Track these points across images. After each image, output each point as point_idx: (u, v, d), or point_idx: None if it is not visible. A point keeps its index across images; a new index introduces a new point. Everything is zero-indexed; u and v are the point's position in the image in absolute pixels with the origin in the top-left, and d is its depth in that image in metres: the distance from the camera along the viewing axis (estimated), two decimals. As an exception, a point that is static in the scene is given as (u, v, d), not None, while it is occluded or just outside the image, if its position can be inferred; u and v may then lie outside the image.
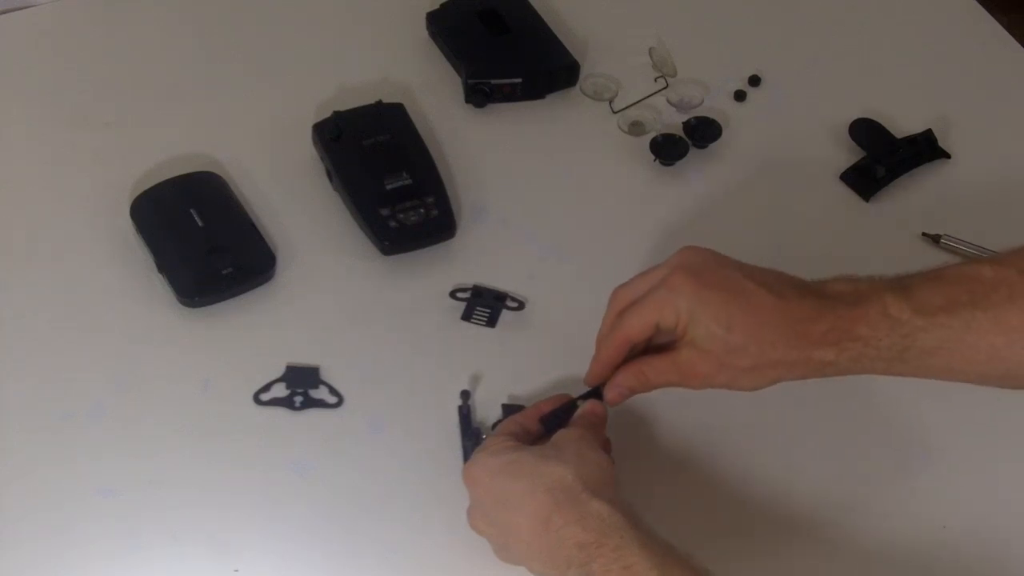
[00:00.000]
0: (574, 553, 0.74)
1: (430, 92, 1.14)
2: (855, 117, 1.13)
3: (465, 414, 0.91)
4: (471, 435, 0.90)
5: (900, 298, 0.79)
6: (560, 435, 0.82)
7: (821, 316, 0.79)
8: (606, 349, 0.85)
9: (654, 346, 0.86)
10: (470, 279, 1.01)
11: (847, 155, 1.12)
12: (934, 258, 1.03)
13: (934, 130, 1.12)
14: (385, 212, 1.00)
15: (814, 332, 0.79)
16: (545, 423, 0.85)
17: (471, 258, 1.02)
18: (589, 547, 0.74)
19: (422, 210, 1.01)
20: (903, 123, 1.13)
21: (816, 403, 0.95)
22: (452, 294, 0.99)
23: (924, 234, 1.06)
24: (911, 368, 0.80)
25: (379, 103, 1.08)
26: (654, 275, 0.84)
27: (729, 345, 0.80)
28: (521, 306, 0.99)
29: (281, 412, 0.92)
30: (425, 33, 1.20)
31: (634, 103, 1.15)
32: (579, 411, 0.86)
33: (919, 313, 0.78)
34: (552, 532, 0.75)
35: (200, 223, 0.99)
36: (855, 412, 0.95)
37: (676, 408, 0.93)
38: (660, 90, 1.16)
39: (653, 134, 1.11)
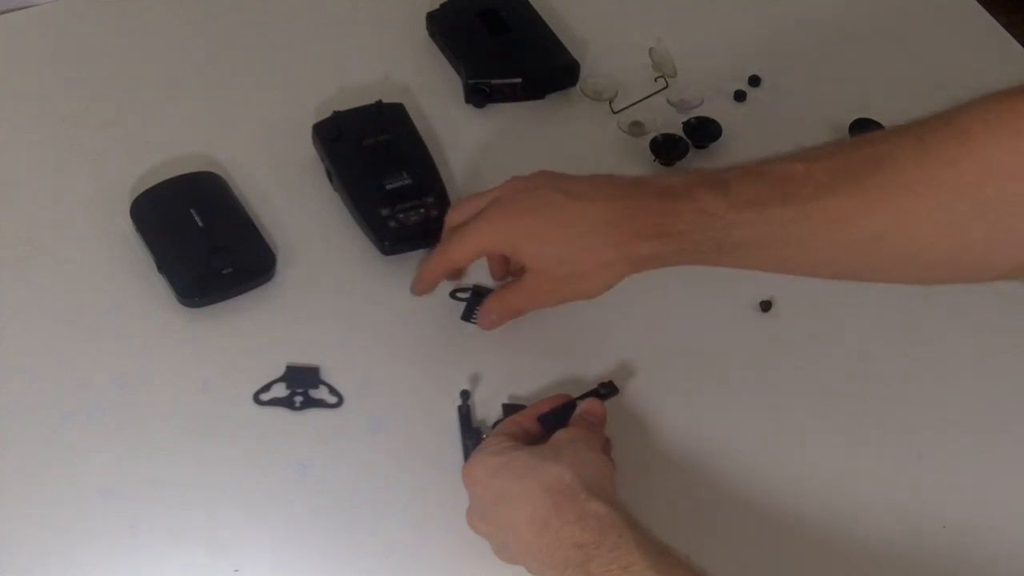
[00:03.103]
0: (572, 553, 0.74)
1: (430, 92, 1.14)
2: (855, 117, 1.13)
3: (465, 414, 0.91)
4: (472, 435, 0.90)
5: (717, 194, 0.83)
6: (559, 435, 0.82)
7: (634, 215, 0.85)
8: (429, 265, 0.94)
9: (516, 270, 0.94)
10: (470, 279, 1.01)
11: (847, 155, 1.12)
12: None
13: (934, 130, 1.12)
14: (385, 212, 1.00)
15: (629, 230, 0.84)
16: (544, 423, 0.85)
17: (471, 258, 1.02)
18: (587, 547, 0.74)
19: (422, 210, 1.01)
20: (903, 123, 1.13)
21: (815, 404, 0.95)
22: (452, 294, 0.99)
23: (924, 234, 1.06)
24: (734, 259, 0.84)
25: (379, 103, 1.09)
26: (480, 201, 0.91)
27: (556, 259, 0.87)
28: None
29: (281, 412, 0.92)
30: (425, 33, 1.20)
31: (634, 103, 1.15)
32: (578, 411, 0.86)
33: (733, 208, 0.82)
34: (550, 532, 0.75)
35: (200, 223, 0.99)
36: (854, 412, 0.95)
37: (675, 410, 0.93)
38: (660, 90, 1.16)
39: (653, 134, 1.11)
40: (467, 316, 0.98)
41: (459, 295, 0.99)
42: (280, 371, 0.94)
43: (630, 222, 0.85)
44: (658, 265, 0.87)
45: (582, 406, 0.87)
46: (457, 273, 0.97)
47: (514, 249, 0.89)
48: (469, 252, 0.91)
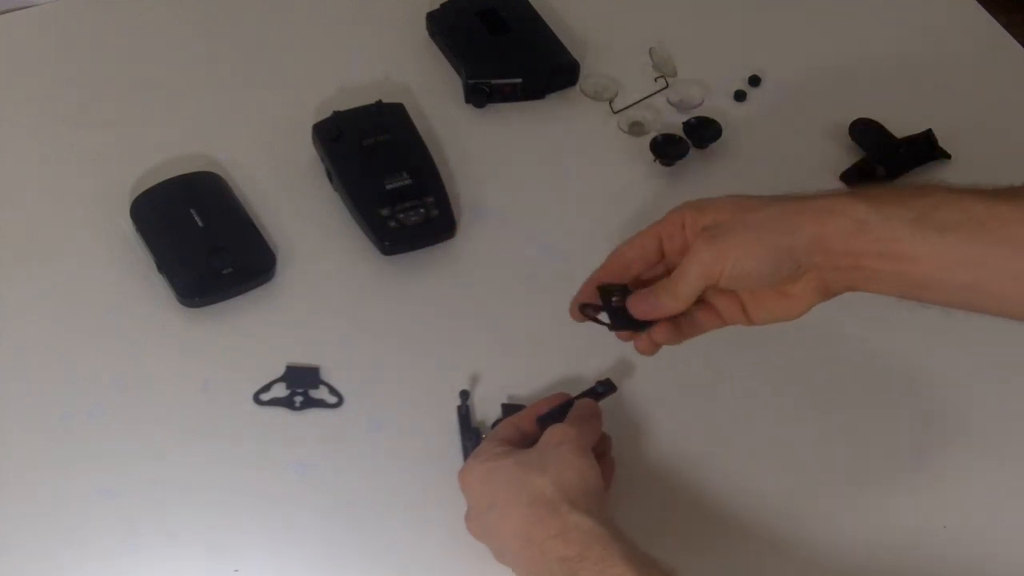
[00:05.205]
0: (556, 567, 0.74)
1: (430, 92, 1.14)
2: (855, 117, 1.13)
3: (464, 414, 0.91)
4: (471, 435, 0.90)
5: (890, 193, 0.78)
6: (549, 434, 0.82)
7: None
8: (598, 270, 0.84)
9: None
10: (470, 279, 1.01)
11: (847, 155, 1.12)
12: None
13: (934, 130, 1.12)
14: (385, 212, 1.00)
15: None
16: (542, 424, 0.85)
17: (471, 258, 1.02)
18: (571, 561, 0.74)
19: (422, 210, 1.01)
20: (903, 123, 1.13)
21: (814, 403, 0.95)
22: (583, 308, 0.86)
23: (924, 234, 1.05)
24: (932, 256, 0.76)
25: (379, 103, 1.08)
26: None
27: (740, 205, 0.80)
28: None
29: (281, 412, 0.92)
30: (425, 33, 1.20)
31: (634, 103, 1.15)
32: (572, 411, 0.85)
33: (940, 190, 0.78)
34: (534, 545, 0.76)
35: (200, 223, 0.99)
36: (854, 412, 0.95)
37: (674, 408, 0.94)
38: (660, 90, 1.16)
39: (653, 134, 1.11)
40: (617, 325, 0.84)
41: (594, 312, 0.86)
42: (280, 371, 0.94)
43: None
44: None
45: (576, 406, 0.86)
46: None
47: (699, 214, 0.81)
48: (648, 236, 0.83)
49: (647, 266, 0.84)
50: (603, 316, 0.84)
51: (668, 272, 0.81)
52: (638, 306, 0.81)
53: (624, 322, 0.83)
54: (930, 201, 0.76)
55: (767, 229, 0.78)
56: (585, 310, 0.85)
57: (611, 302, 0.83)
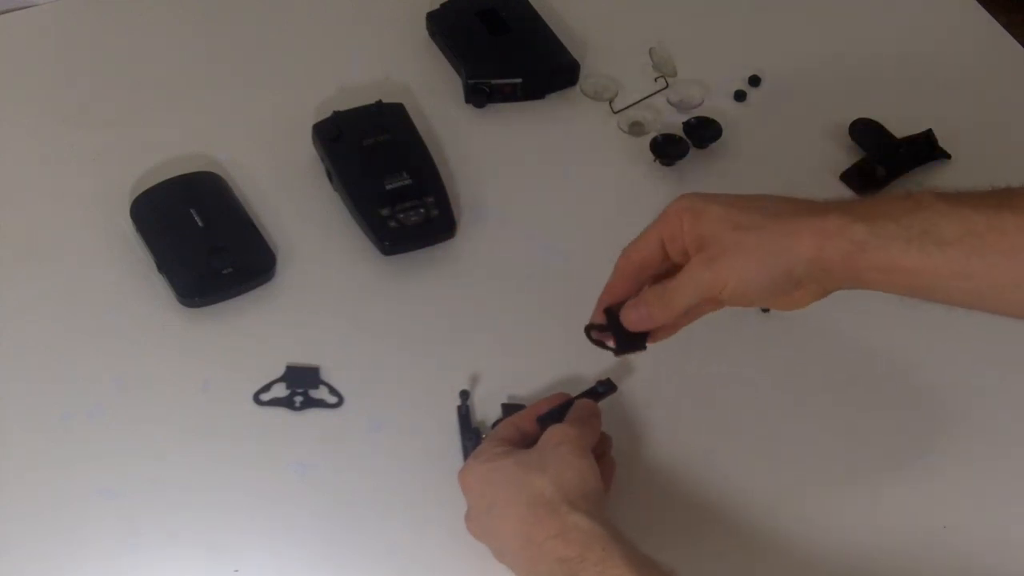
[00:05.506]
0: (556, 567, 0.74)
1: (430, 92, 1.14)
2: (855, 117, 1.13)
3: (464, 414, 0.91)
4: (471, 435, 0.90)
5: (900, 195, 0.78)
6: (549, 434, 0.81)
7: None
8: (611, 280, 0.85)
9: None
10: (470, 279, 1.01)
11: (847, 155, 1.12)
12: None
13: (934, 130, 1.12)
14: (385, 212, 1.00)
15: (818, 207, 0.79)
16: (542, 424, 0.85)
17: (471, 258, 1.02)
18: (571, 561, 0.74)
19: (422, 210, 1.01)
20: (903, 123, 1.13)
21: (815, 403, 0.95)
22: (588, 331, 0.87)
23: (924, 234, 1.05)
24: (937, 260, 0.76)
25: (379, 103, 1.09)
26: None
27: (735, 222, 0.79)
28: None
29: (281, 412, 0.92)
30: (425, 33, 1.20)
31: (634, 103, 1.15)
32: (571, 411, 0.85)
33: (939, 198, 0.77)
34: (534, 546, 0.76)
35: (200, 223, 0.99)
36: (854, 412, 0.95)
37: (674, 408, 0.93)
38: (660, 90, 1.16)
39: (653, 134, 1.11)
40: (622, 348, 0.86)
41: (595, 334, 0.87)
42: (280, 371, 0.94)
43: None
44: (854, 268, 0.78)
45: (575, 406, 0.86)
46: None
47: (695, 217, 0.81)
48: (651, 239, 0.83)
49: (656, 268, 0.84)
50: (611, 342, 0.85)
51: (677, 270, 0.81)
52: (629, 316, 0.82)
53: (629, 344, 0.84)
54: (928, 215, 0.76)
55: (765, 253, 0.78)
56: (590, 332, 0.85)
57: (619, 324, 0.83)
